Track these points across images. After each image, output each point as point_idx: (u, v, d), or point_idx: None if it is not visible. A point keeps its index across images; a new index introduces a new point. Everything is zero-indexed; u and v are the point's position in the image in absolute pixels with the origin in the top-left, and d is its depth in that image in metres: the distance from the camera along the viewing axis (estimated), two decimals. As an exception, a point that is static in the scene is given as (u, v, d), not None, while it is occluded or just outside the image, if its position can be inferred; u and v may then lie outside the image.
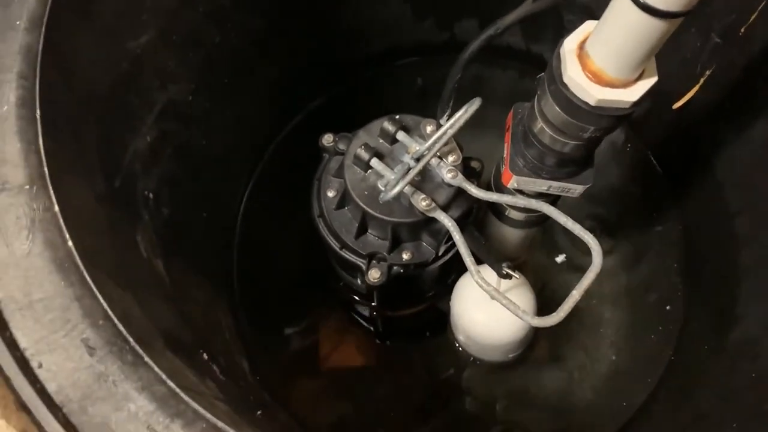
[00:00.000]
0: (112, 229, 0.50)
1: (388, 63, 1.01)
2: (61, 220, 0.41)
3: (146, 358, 0.38)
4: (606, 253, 0.94)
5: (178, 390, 0.37)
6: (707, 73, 0.76)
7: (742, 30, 0.69)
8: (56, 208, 0.41)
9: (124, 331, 0.38)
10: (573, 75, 0.50)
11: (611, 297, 0.94)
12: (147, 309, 0.47)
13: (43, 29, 0.45)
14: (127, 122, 0.60)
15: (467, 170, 0.72)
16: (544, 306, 0.78)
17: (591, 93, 0.50)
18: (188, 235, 0.70)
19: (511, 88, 1.04)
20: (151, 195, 0.61)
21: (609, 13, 0.47)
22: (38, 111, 0.42)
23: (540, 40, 0.96)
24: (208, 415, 0.37)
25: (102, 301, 0.39)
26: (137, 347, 0.38)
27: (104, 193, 0.51)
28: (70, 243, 0.40)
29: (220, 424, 0.36)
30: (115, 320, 0.38)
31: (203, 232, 0.76)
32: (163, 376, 0.38)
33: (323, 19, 0.87)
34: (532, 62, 0.98)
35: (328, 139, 0.74)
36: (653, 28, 0.44)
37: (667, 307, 0.89)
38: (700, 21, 0.74)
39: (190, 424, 0.36)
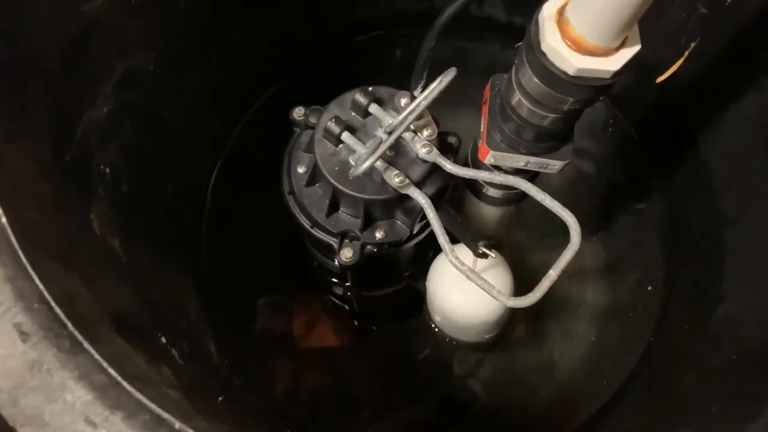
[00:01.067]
0: (59, 205, 0.47)
1: (365, 34, 0.98)
2: (-6, 194, 0.37)
3: (86, 344, 0.35)
4: (587, 231, 0.93)
5: (119, 379, 0.34)
6: (692, 45, 0.73)
7: (729, 0, 0.66)
8: (-11, 181, 0.38)
9: (62, 315, 0.35)
10: (552, 43, 0.47)
11: (591, 276, 0.92)
12: (96, 290, 0.44)
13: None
14: (81, 91, 0.56)
15: (443, 145, 0.69)
16: (523, 285, 0.76)
17: (570, 62, 0.47)
18: (151, 212, 0.67)
19: (492, 61, 1.01)
20: (107, 169, 0.58)
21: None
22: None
23: (522, 11, 0.93)
24: (152, 406, 0.34)
25: (38, 282, 0.36)
26: (75, 332, 0.35)
27: (51, 166, 0.48)
28: (3, 219, 0.37)
29: (165, 415, 0.34)
30: (52, 303, 0.35)
31: (168, 209, 0.72)
32: (104, 364, 0.35)
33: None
34: (513, 34, 0.95)
35: (298, 113, 0.71)
36: (635, -8, 0.41)
37: (649, 287, 0.87)
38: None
39: (132, 416, 0.34)
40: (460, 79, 1.01)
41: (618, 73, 0.48)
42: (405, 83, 0.99)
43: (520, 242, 0.94)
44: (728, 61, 0.70)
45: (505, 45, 0.97)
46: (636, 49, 0.48)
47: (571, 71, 0.47)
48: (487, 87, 0.63)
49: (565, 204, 0.55)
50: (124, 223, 0.58)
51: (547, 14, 0.48)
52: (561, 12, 0.48)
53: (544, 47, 0.48)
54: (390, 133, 0.61)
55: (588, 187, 0.95)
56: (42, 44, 0.50)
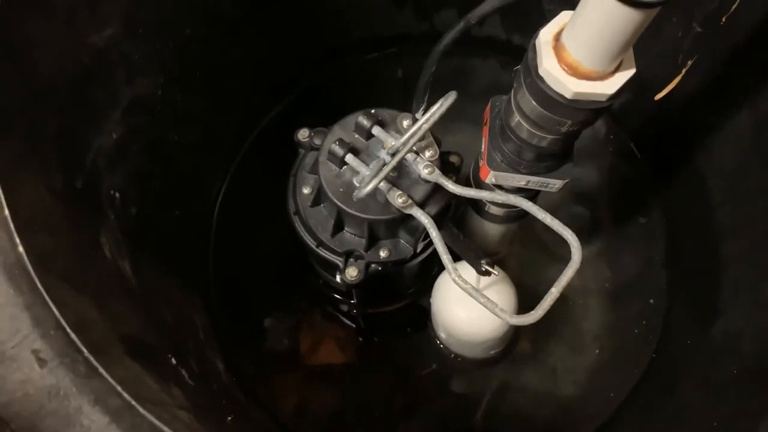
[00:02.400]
0: (71, 231, 0.48)
1: (368, 54, 0.99)
2: (11, 223, 0.39)
3: (101, 369, 0.36)
4: (589, 245, 0.94)
5: (133, 402, 0.36)
6: (689, 63, 0.74)
7: (724, 19, 0.68)
8: (6, 210, 0.39)
9: (77, 341, 0.37)
10: (549, 67, 0.49)
11: (594, 290, 0.93)
12: (108, 313, 0.45)
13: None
14: (91, 118, 0.58)
15: (445, 165, 0.70)
16: (526, 300, 0.77)
17: (567, 86, 0.48)
18: (159, 234, 0.68)
19: (492, 80, 1.02)
20: (117, 194, 0.59)
21: (585, 3, 0.45)
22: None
23: (521, 31, 0.95)
24: (165, 429, 0.35)
25: (54, 309, 0.37)
26: (91, 358, 0.36)
27: (63, 192, 0.49)
28: (20, 248, 0.38)
29: (178, 437, 0.35)
30: (68, 329, 0.37)
31: (176, 230, 0.74)
32: (118, 388, 0.36)
33: (300, 7, 0.85)
34: (513, 53, 0.96)
35: (303, 134, 0.72)
36: (630, 18, 0.42)
37: (651, 300, 0.88)
38: (681, 10, 0.73)
39: (146, 438, 0.35)
40: (461, 96, 1.02)
41: (614, 96, 0.49)
42: (407, 101, 1.00)
43: (523, 257, 0.95)
44: (724, 78, 0.71)
45: (505, 64, 0.98)
46: (631, 72, 0.49)
47: (568, 95, 0.49)
48: (487, 108, 0.65)
49: (567, 219, 0.56)
50: (134, 246, 0.59)
51: (543, 39, 0.50)
52: (557, 37, 0.50)
53: (541, 71, 0.49)
54: (393, 155, 0.62)
55: (589, 201, 0.96)
56: (53, 76, 0.52)
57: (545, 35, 0.50)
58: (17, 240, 0.38)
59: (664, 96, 0.77)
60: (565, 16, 0.50)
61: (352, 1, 0.87)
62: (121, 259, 0.55)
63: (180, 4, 0.67)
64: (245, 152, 0.90)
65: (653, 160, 0.90)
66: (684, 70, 0.74)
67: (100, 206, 0.56)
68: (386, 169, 0.57)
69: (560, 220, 0.57)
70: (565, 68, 0.48)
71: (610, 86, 0.48)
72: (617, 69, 0.49)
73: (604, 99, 0.49)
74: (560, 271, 0.55)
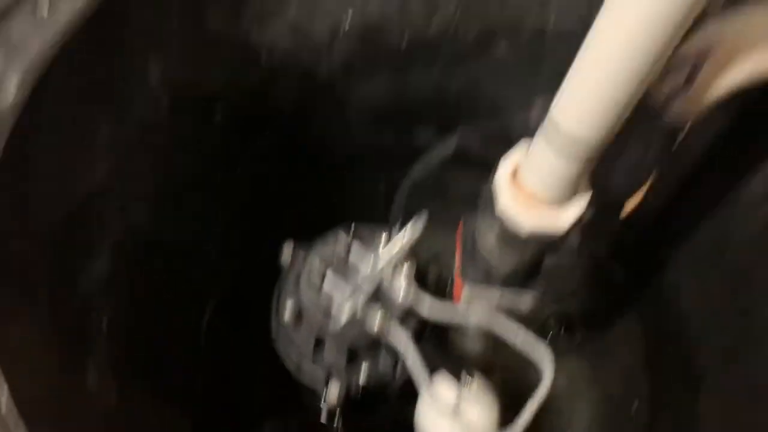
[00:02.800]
0: (58, 368, 0.50)
1: (350, 170, 1.04)
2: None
3: None
4: (571, 350, 0.96)
5: None
6: (648, 181, 0.79)
7: (676, 144, 0.73)
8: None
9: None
10: (506, 201, 0.52)
11: (580, 394, 0.94)
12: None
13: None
14: (82, 251, 0.61)
15: (423, 277, 0.73)
16: (511, 402, 0.78)
17: (523, 222, 0.52)
18: (147, 360, 0.70)
19: (470, 187, 1.07)
20: (105, 325, 0.62)
21: (537, 144, 0.49)
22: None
23: (496, 147, 1.00)
24: None
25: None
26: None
27: (51, 329, 0.51)
28: (3, 398, 0.40)
29: None
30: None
31: (164, 354, 0.75)
32: None
33: (287, 133, 0.90)
34: (489, 167, 1.01)
35: (286, 253, 0.75)
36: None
37: (635, 403, 0.89)
38: (639, 134, 0.78)
39: None
40: (440, 206, 1.07)
41: (568, 230, 0.53)
42: (387, 211, 1.04)
43: (507, 360, 0.96)
44: (681, 200, 0.76)
45: (479, 177, 1.03)
46: (582, 206, 0.53)
47: (524, 231, 0.52)
48: (460, 225, 0.69)
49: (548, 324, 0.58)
50: (121, 375, 0.61)
51: (501, 176, 0.54)
52: (515, 174, 0.54)
53: (500, 205, 0.53)
54: (372, 276, 0.65)
55: (569, 307, 0.98)
56: (47, 217, 0.56)
57: (503, 169, 0.54)
58: (5, 388, 0.40)
59: (630, 212, 0.81)
60: (519, 150, 0.55)
61: (335, 127, 0.92)
62: (107, 391, 0.57)
63: (173, 140, 0.72)
64: (233, 270, 0.93)
65: (628, 268, 0.93)
66: (644, 188, 0.79)
67: (90, 337, 0.58)
68: (362, 298, 0.60)
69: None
70: (522, 202, 0.52)
71: (563, 220, 0.52)
72: (570, 204, 0.53)
73: (558, 232, 0.53)
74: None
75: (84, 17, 0.55)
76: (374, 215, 1.04)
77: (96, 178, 0.61)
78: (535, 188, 0.52)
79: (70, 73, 0.55)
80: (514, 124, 0.53)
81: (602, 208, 0.86)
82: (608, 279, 0.96)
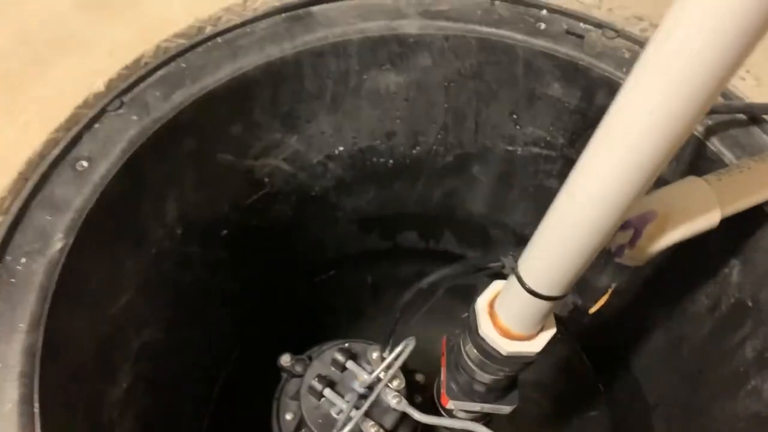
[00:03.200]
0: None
1: (339, 267, 1.12)
2: None
3: None
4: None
5: None
6: (613, 285, 0.88)
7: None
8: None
9: None
10: (486, 330, 0.61)
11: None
12: None
13: (42, 329, 0.54)
14: (108, 376, 0.68)
15: (412, 385, 0.81)
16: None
17: (502, 346, 0.60)
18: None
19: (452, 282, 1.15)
20: (123, 439, 0.68)
21: (507, 289, 0.58)
22: (36, 406, 0.50)
23: (472, 246, 1.09)
24: None
25: None
26: None
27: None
28: None
29: None
30: None
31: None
32: None
33: (280, 243, 0.98)
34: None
35: (285, 360, 0.82)
36: (540, 305, 0.55)
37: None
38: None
39: None
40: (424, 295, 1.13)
41: (541, 352, 0.61)
42: (376, 303, 1.12)
43: None
44: (642, 302, 0.85)
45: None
46: (552, 332, 0.61)
47: (502, 353, 0.60)
48: (443, 342, 0.76)
49: (524, 415, 0.65)
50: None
51: (480, 306, 0.62)
52: (492, 304, 0.62)
53: (480, 333, 0.61)
54: (367, 388, 0.72)
55: (543, 396, 1.06)
56: (81, 352, 0.62)
57: (482, 302, 0.63)
58: None
59: (596, 311, 0.90)
60: (497, 285, 0.63)
61: (327, 234, 1.01)
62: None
63: (183, 261, 0.79)
64: (230, 373, 0.99)
65: (596, 362, 1.01)
66: (609, 292, 0.87)
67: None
68: (359, 413, 0.67)
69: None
70: (499, 330, 0.61)
71: (536, 346, 0.60)
72: (542, 330, 0.61)
73: (532, 355, 0.61)
74: None
75: (116, 172, 0.63)
76: (364, 307, 1.13)
77: (120, 305, 0.69)
78: (508, 325, 0.60)
79: (104, 218, 0.63)
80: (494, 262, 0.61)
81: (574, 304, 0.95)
82: (579, 376, 1.04)
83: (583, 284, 0.87)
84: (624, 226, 0.55)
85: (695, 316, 0.75)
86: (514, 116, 0.81)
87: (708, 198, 0.53)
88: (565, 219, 0.47)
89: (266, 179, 0.85)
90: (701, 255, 0.71)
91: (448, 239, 1.08)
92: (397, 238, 1.09)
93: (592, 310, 0.93)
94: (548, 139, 0.82)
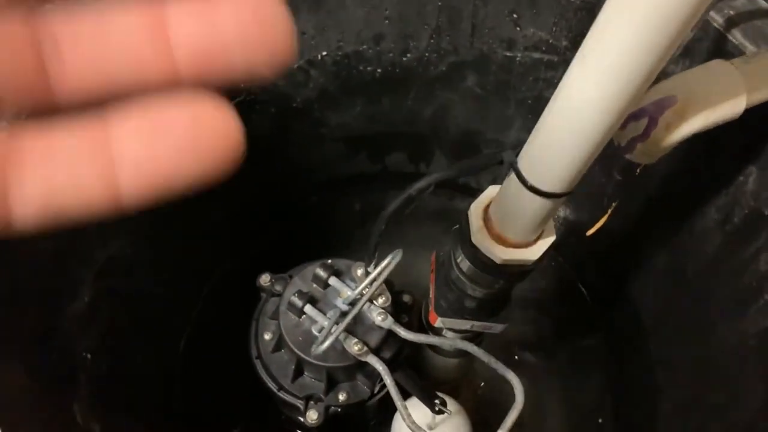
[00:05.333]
0: (47, 407, 0.51)
1: (327, 192, 1.07)
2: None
3: None
4: (538, 369, 0.99)
5: None
6: (613, 204, 0.83)
7: (638, 171, 0.77)
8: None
9: None
10: (479, 237, 0.55)
11: (547, 411, 0.98)
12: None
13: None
14: (66, 286, 0.62)
15: (398, 306, 0.76)
16: (483, 420, 0.81)
17: (496, 254, 0.55)
18: (127, 388, 0.71)
19: (441, 209, 1.10)
20: (89, 355, 0.63)
21: (504, 190, 0.52)
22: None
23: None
24: None
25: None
26: None
27: (37, 367, 0.53)
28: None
29: None
30: None
31: (143, 380, 0.76)
32: None
33: (263, 162, 0.92)
34: (458, 189, 1.05)
35: (264, 279, 0.77)
36: (541, 204, 0.50)
37: (599, 420, 0.93)
38: (603, 161, 0.82)
39: None
40: (412, 221, 1.09)
41: (539, 260, 0.56)
42: (365, 231, 1.07)
43: (477, 383, 1.00)
44: (642, 221, 0.80)
45: (451, 197, 1.06)
46: (551, 239, 0.56)
47: (497, 261, 0.55)
48: (433, 257, 0.71)
49: (517, 341, 0.61)
50: (104, 405, 0.62)
51: (474, 213, 0.57)
52: (486, 210, 0.57)
53: (474, 240, 0.56)
54: (350, 305, 0.68)
55: (537, 323, 1.02)
56: (37, 251, 0.57)
57: (475, 208, 0.57)
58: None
59: (594, 232, 0.85)
60: (492, 190, 0.58)
61: (311, 154, 0.95)
62: (93, 422, 0.58)
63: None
64: (208, 295, 0.94)
65: (593, 289, 0.97)
66: (609, 211, 0.82)
67: (74, 372, 0.59)
68: (340, 327, 0.62)
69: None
70: (494, 238, 0.55)
71: (533, 253, 0.55)
72: (539, 237, 0.56)
73: (530, 263, 0.56)
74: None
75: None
76: (351, 235, 1.08)
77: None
78: (504, 232, 0.55)
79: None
80: (488, 161, 0.55)
81: (572, 226, 0.91)
82: (574, 299, 1.00)
83: (579, 204, 0.81)
84: (637, 115, 0.49)
85: (703, 231, 0.70)
86: (514, 15, 0.74)
87: (734, 82, 0.47)
88: (575, 96, 0.41)
89: (241, 84, 0.78)
90: (713, 163, 0.66)
91: (438, 161, 1.03)
92: (386, 160, 1.03)
93: (590, 232, 0.88)
94: (550, 41, 0.75)
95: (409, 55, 0.82)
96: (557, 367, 0.98)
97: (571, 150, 0.44)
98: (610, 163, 0.81)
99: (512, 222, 0.53)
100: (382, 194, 1.08)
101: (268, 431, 0.94)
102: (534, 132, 0.47)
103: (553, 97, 0.44)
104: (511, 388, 0.62)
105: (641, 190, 0.79)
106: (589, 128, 0.42)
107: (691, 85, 0.47)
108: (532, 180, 0.48)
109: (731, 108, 0.47)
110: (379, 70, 0.84)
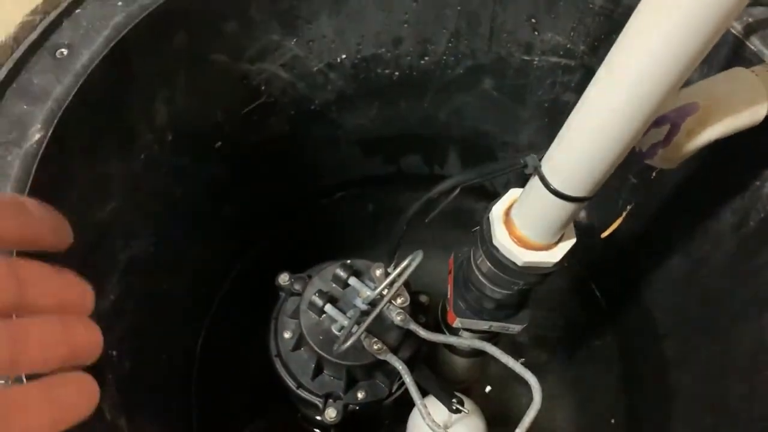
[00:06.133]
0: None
1: (340, 193, 1.08)
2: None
3: None
4: (552, 369, 1.00)
5: None
6: (628, 207, 0.83)
7: (653, 174, 0.78)
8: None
9: None
10: (501, 240, 0.56)
11: (560, 411, 0.99)
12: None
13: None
14: (94, 286, 0.63)
15: (415, 306, 0.77)
16: (498, 417, 0.82)
17: (518, 256, 0.56)
18: (149, 384, 0.72)
19: (457, 208, 1.10)
20: (114, 353, 0.64)
21: (527, 193, 0.53)
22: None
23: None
24: None
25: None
26: None
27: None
28: None
29: None
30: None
31: (164, 377, 0.78)
32: None
33: (280, 163, 0.93)
34: (471, 190, 1.05)
35: (284, 279, 0.78)
36: (564, 208, 0.51)
37: (612, 420, 0.93)
38: (619, 165, 0.83)
39: None
40: (426, 224, 1.09)
41: (559, 263, 0.57)
42: (377, 232, 1.08)
43: (493, 381, 1.00)
44: (658, 224, 0.80)
45: (465, 196, 1.07)
46: (572, 242, 0.57)
47: (518, 263, 0.56)
48: (451, 259, 0.72)
49: (532, 341, 0.62)
50: (128, 401, 0.63)
51: (495, 214, 0.58)
52: (507, 212, 0.58)
53: (495, 242, 0.57)
54: (369, 304, 0.69)
55: (551, 323, 1.03)
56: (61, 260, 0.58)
57: (497, 210, 0.58)
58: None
59: (609, 235, 0.86)
60: (514, 193, 0.59)
61: (327, 155, 0.96)
62: (118, 417, 0.59)
63: (173, 171, 0.74)
64: (224, 296, 0.95)
65: (605, 290, 0.98)
66: (624, 214, 0.83)
67: (102, 370, 0.61)
68: (362, 327, 0.63)
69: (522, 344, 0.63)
70: (516, 240, 0.56)
71: (554, 255, 0.56)
72: (560, 240, 0.57)
73: (550, 265, 0.57)
74: (530, 391, 0.61)
75: (99, 60, 0.57)
76: (364, 236, 1.09)
77: (106, 212, 0.64)
78: (526, 233, 0.56)
79: (87, 112, 0.57)
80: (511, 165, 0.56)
81: (587, 228, 0.91)
82: (587, 301, 1.01)
83: (594, 206, 0.82)
84: (658, 122, 0.50)
85: (718, 234, 0.71)
86: (533, 20, 0.75)
87: (755, 89, 0.48)
88: (601, 101, 0.42)
89: (263, 87, 0.79)
90: (729, 168, 0.67)
91: (453, 164, 1.03)
92: (401, 162, 1.04)
93: (605, 234, 0.89)
94: (568, 46, 0.76)
95: (426, 58, 0.83)
96: (570, 367, 0.99)
97: (595, 156, 0.45)
98: (626, 167, 0.82)
99: (534, 224, 0.54)
100: (396, 196, 1.09)
101: (283, 429, 0.95)
102: (558, 137, 0.48)
103: (578, 103, 0.45)
104: (522, 387, 0.63)
105: (656, 192, 0.79)
106: (615, 135, 0.43)
107: (712, 92, 0.48)
108: (555, 184, 0.49)
109: (752, 115, 0.48)
110: (396, 73, 0.85)
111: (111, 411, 0.58)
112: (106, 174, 0.64)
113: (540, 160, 0.51)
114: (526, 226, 0.55)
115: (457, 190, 0.56)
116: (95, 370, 0.60)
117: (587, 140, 0.44)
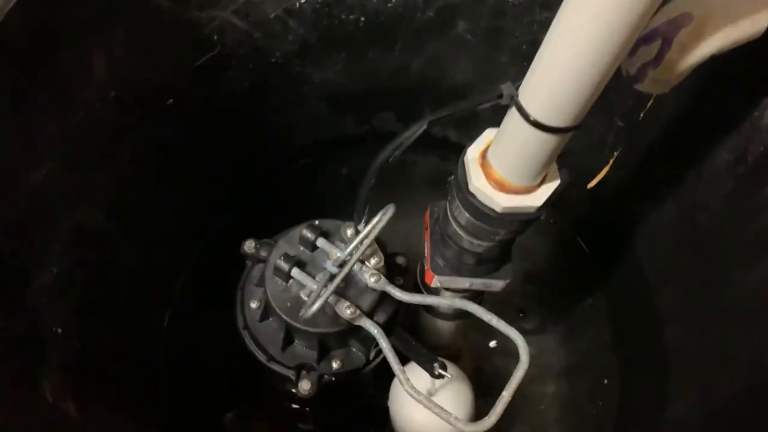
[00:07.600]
0: (11, 384, 0.47)
1: (312, 156, 1.02)
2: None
3: None
4: (541, 330, 0.96)
5: None
6: (615, 154, 0.78)
7: (641, 115, 0.72)
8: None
9: None
10: (478, 184, 0.51)
11: (551, 373, 0.94)
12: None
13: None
14: (29, 257, 0.57)
15: (392, 268, 0.72)
16: (485, 388, 0.77)
17: (497, 201, 0.50)
18: (105, 366, 0.66)
19: (434, 171, 1.05)
20: (59, 330, 0.58)
21: (504, 128, 0.48)
22: None
23: (456, 128, 0.98)
24: None
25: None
26: None
27: (1, 343, 0.48)
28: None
29: None
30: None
31: (122, 358, 0.72)
32: None
33: (242, 124, 0.87)
34: (451, 148, 1.00)
35: (249, 246, 0.73)
36: (546, 141, 0.45)
37: (605, 381, 0.89)
38: (603, 107, 0.77)
39: None
40: (405, 187, 1.04)
41: (542, 207, 0.51)
42: (353, 198, 1.02)
43: (477, 346, 0.96)
44: (646, 169, 0.75)
45: (444, 158, 1.01)
46: (556, 183, 0.52)
47: (498, 209, 0.51)
48: (427, 214, 0.67)
49: (516, 301, 0.57)
50: (78, 384, 0.58)
51: (471, 157, 0.52)
52: (484, 155, 0.52)
53: (471, 188, 0.51)
54: (340, 266, 0.63)
55: (538, 285, 0.98)
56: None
57: (472, 153, 0.53)
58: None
59: (596, 185, 0.81)
60: (489, 133, 0.53)
61: (293, 114, 0.89)
62: (64, 400, 0.54)
63: (118, 132, 0.68)
64: (191, 267, 0.89)
65: (593, 244, 0.93)
66: (611, 161, 0.78)
67: (42, 348, 0.55)
68: (330, 288, 0.58)
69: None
70: (493, 184, 0.51)
71: (537, 199, 0.51)
72: (542, 181, 0.51)
73: (532, 211, 0.51)
74: (516, 356, 0.56)
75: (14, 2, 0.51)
76: (339, 201, 1.03)
77: (42, 175, 0.57)
78: (504, 175, 0.50)
79: (8, 62, 0.51)
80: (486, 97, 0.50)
81: (572, 177, 0.86)
82: (574, 257, 0.96)
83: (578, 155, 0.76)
84: (648, 37, 0.44)
85: (713, 176, 0.66)
86: (507, -51, 0.69)
87: (756, -5, 0.42)
88: (582, 6, 0.36)
89: (215, 37, 0.73)
90: (724, 98, 0.62)
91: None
92: (373, 120, 0.98)
93: (592, 184, 0.83)
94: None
95: (394, 0, 0.77)
96: (559, 327, 0.95)
97: (577, 74, 0.39)
98: (611, 109, 0.77)
99: (514, 164, 0.49)
100: (370, 157, 1.03)
101: (263, 410, 0.90)
102: (536, 59, 0.42)
103: (557, 14, 0.39)
104: (513, 351, 0.58)
105: (644, 136, 0.74)
106: (599, 46, 0.37)
107: (707, 0, 0.42)
108: (535, 114, 0.43)
109: (753, 24, 0.43)
110: (362, 19, 0.79)
111: (53, 393, 0.53)
112: (39, 132, 0.57)
113: (517, 89, 0.45)
114: (505, 167, 0.49)
115: (425, 126, 0.49)
116: (32, 346, 0.55)
117: (568, 57, 0.39)
